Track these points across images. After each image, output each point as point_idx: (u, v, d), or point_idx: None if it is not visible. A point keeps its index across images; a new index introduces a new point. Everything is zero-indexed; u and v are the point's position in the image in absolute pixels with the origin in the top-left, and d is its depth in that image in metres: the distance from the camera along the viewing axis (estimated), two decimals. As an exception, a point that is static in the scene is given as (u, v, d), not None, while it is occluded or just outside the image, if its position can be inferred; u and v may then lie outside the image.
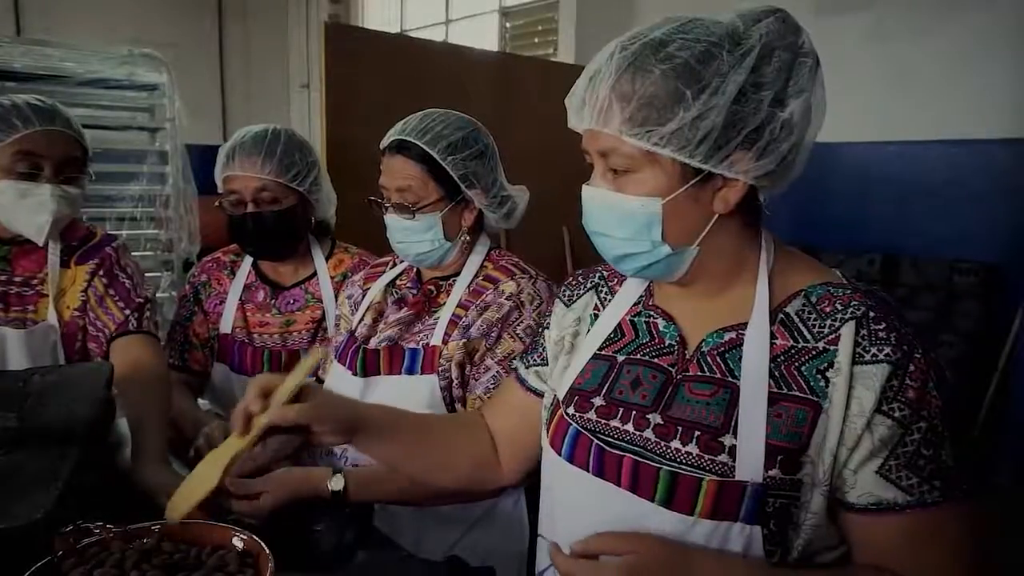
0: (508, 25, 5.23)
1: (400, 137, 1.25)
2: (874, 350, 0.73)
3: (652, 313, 0.90)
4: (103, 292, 1.50)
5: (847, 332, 0.75)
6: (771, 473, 0.75)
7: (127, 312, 1.50)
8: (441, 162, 1.24)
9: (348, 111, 3.05)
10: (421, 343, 1.28)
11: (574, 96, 0.80)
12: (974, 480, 0.77)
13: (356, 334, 1.35)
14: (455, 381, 1.24)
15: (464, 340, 1.24)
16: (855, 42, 3.41)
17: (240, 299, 1.66)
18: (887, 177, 3.41)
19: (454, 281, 1.32)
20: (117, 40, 4.01)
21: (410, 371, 1.26)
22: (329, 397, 1.02)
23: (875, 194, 3.45)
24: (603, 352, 0.91)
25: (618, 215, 0.80)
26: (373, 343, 1.31)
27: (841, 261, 3.32)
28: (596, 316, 0.95)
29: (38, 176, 1.38)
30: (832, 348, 0.75)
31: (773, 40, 0.74)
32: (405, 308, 1.31)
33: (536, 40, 5.05)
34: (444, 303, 1.30)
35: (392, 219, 1.28)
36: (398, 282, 1.40)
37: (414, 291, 1.35)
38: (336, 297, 1.63)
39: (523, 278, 1.28)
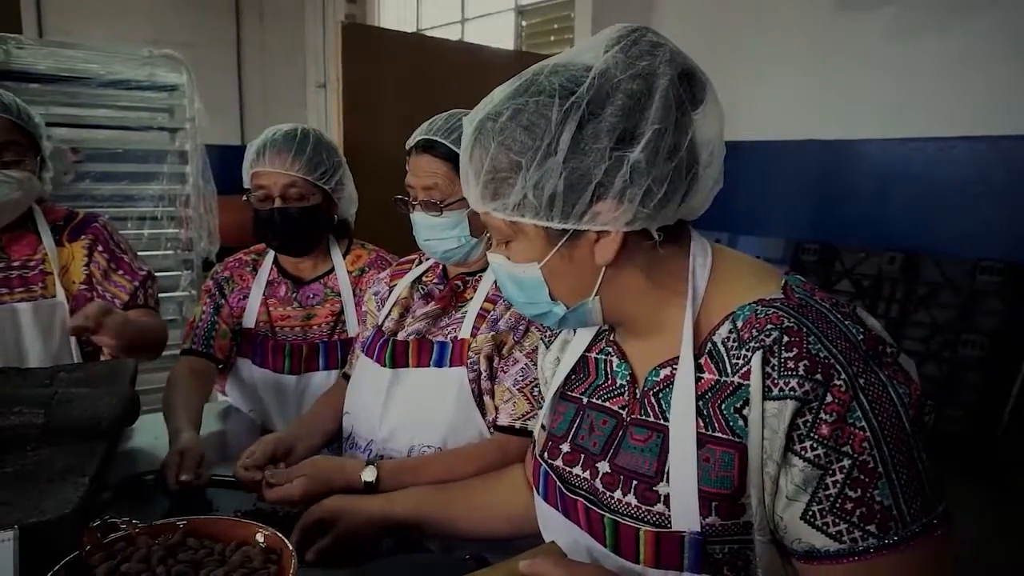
0: (524, 23, 5.22)
1: (426, 136, 1.26)
2: (781, 383, 0.66)
3: (610, 350, 0.86)
4: (107, 267, 1.60)
5: (755, 364, 0.67)
6: (709, 520, 0.70)
7: (135, 284, 1.62)
8: None
9: (364, 110, 3.07)
10: (449, 336, 1.29)
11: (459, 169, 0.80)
12: (931, 513, 0.65)
13: (383, 328, 1.37)
14: (483, 374, 1.24)
15: (492, 333, 1.25)
16: (876, 37, 3.37)
17: (263, 294, 1.69)
18: (908, 174, 3.36)
19: (480, 276, 1.33)
20: (135, 41, 4.06)
21: (438, 364, 1.27)
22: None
23: (896, 191, 3.41)
24: (571, 393, 0.90)
25: (513, 281, 0.80)
26: (401, 336, 1.33)
27: (861, 259, 3.28)
28: (566, 351, 0.95)
29: None
30: (745, 383, 0.68)
31: (615, 74, 0.70)
32: (432, 302, 1.32)
33: (552, 38, 5.04)
34: (471, 298, 1.31)
35: (419, 217, 1.29)
36: (424, 278, 1.41)
37: (441, 286, 1.36)
38: (353, 292, 1.65)
39: None
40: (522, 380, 1.21)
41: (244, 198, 1.63)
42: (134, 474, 1.26)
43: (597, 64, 0.71)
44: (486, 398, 1.25)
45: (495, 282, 1.29)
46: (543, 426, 0.93)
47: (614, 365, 0.85)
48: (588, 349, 0.90)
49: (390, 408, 1.28)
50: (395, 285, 1.43)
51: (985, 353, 2.97)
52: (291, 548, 0.83)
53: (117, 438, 1.17)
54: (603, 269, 0.75)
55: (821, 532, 0.66)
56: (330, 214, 1.67)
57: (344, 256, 1.73)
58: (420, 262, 1.45)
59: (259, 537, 0.87)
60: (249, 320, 1.67)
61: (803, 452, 0.65)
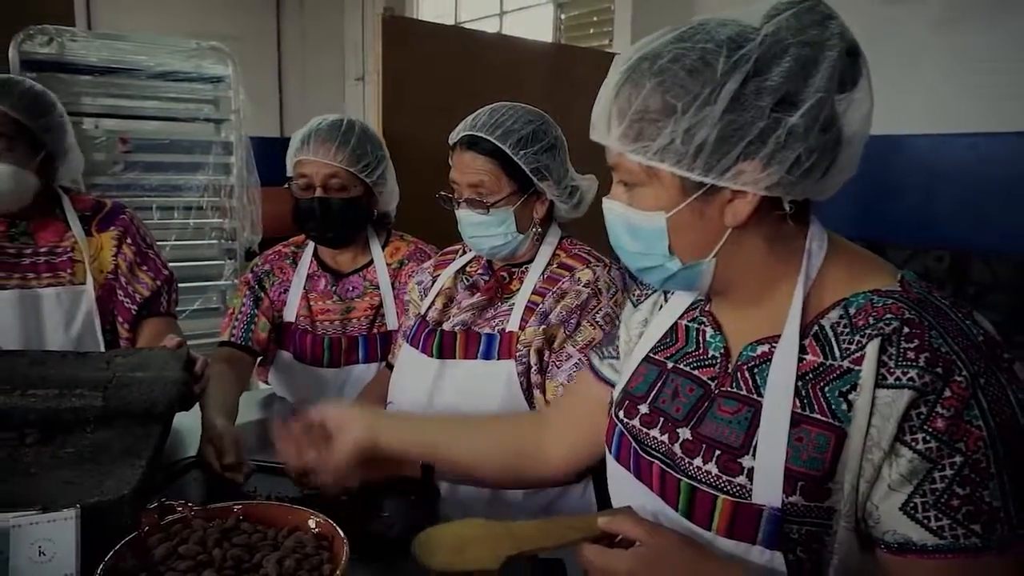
0: (563, 16, 5.19)
1: (471, 132, 1.26)
2: (899, 372, 0.66)
3: (704, 320, 0.86)
4: (133, 260, 1.61)
5: (871, 351, 0.67)
6: (792, 499, 0.70)
7: (159, 283, 1.64)
8: (513, 156, 1.25)
9: (403, 103, 3.08)
10: (496, 329, 1.29)
11: (595, 107, 0.78)
12: None
13: (427, 318, 1.37)
14: (533, 367, 1.24)
15: (543, 327, 1.24)
16: (923, 30, 3.28)
17: (303, 288, 1.70)
18: (957, 171, 3.27)
19: (526, 269, 1.33)
20: (178, 34, 4.13)
21: (486, 356, 1.27)
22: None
23: (944, 188, 3.32)
24: (656, 356, 0.90)
25: (629, 229, 0.79)
26: (446, 327, 1.33)
27: (908, 258, 3.21)
28: (657, 316, 0.94)
29: None
30: (856, 368, 0.68)
31: (786, 37, 0.69)
32: (478, 294, 1.32)
33: (591, 31, 5.00)
34: (517, 290, 1.31)
35: (465, 213, 1.29)
36: (468, 269, 1.41)
37: (486, 277, 1.36)
38: (392, 285, 1.66)
39: (598, 266, 1.28)
40: (575, 374, 1.21)
41: (286, 186, 1.64)
42: (177, 460, 1.29)
43: (768, 26, 0.70)
44: (536, 392, 1.25)
45: (542, 274, 1.29)
46: (622, 387, 0.92)
47: (707, 335, 0.84)
48: (680, 316, 0.89)
49: (436, 399, 1.28)
50: (439, 275, 1.43)
51: (1037, 356, 2.89)
52: (342, 535, 0.84)
53: (170, 422, 1.19)
54: (728, 231, 0.75)
55: (921, 525, 0.65)
56: (371, 207, 1.67)
57: (383, 248, 1.73)
58: (464, 252, 1.45)
59: (311, 523, 0.88)
60: (290, 314, 1.69)
61: (914, 443, 0.65)
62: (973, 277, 3.11)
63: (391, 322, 1.68)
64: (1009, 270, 3.02)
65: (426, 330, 1.35)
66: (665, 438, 0.83)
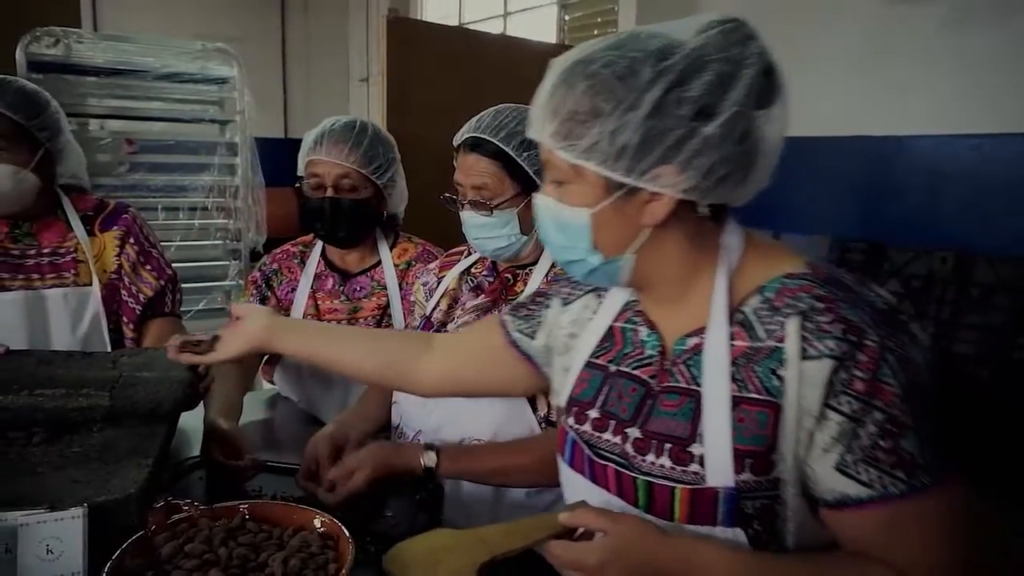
0: (567, 17, 5.20)
1: (474, 135, 1.26)
2: (819, 344, 0.72)
3: (637, 320, 0.91)
4: (136, 260, 1.62)
5: (792, 327, 0.74)
6: (743, 477, 0.75)
7: (162, 283, 1.64)
8: (516, 158, 1.25)
9: (407, 104, 3.09)
10: None
11: (532, 106, 0.83)
12: (947, 463, 0.73)
13: (432, 319, 1.38)
14: None
15: None
16: (929, 29, 3.27)
17: (311, 287, 1.71)
18: (962, 172, 3.27)
19: (531, 270, 1.33)
20: (183, 35, 4.15)
21: None
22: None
23: (948, 189, 3.31)
24: (597, 361, 0.93)
25: (557, 223, 0.83)
26: (450, 328, 1.33)
27: (911, 259, 3.20)
28: (592, 320, 0.97)
29: None
30: (781, 345, 0.74)
31: (709, 53, 0.74)
32: (482, 295, 1.33)
33: (595, 32, 5.00)
34: (521, 291, 1.31)
35: (469, 215, 1.29)
36: (473, 270, 1.42)
37: (490, 279, 1.36)
38: (400, 285, 1.67)
39: None
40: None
41: (296, 185, 1.65)
42: (182, 459, 1.29)
43: (694, 41, 0.75)
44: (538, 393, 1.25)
45: (546, 276, 1.29)
46: (567, 395, 0.95)
47: (643, 335, 0.89)
48: (615, 320, 0.93)
49: (440, 399, 1.28)
50: (444, 276, 1.44)
51: (1042, 358, 2.87)
52: (347, 535, 0.85)
53: (175, 422, 1.20)
54: (646, 230, 0.80)
55: (854, 480, 0.72)
56: (380, 209, 1.68)
57: (391, 249, 1.73)
58: (469, 253, 1.45)
59: (317, 523, 0.89)
60: (297, 313, 1.69)
61: (839, 406, 0.72)
62: (977, 279, 3.10)
63: (398, 322, 1.68)
64: (1013, 272, 3.02)
65: (431, 331, 1.36)
66: (618, 439, 0.86)
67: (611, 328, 0.93)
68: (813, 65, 3.65)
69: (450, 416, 1.28)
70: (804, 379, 0.72)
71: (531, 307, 1.06)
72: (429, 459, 1.15)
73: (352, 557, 0.81)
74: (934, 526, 0.73)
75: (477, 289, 1.36)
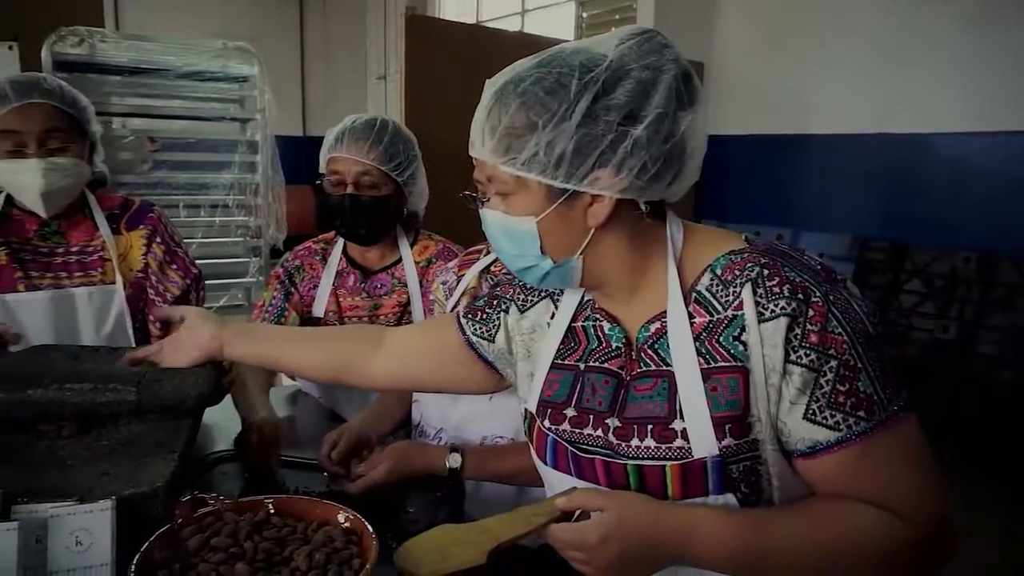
0: (584, 14, 5.19)
1: None
2: (772, 306, 0.78)
3: (598, 316, 0.94)
4: (162, 259, 1.62)
5: (747, 294, 0.79)
6: (725, 443, 0.79)
7: (188, 282, 1.64)
8: None
9: (425, 101, 3.10)
10: None
11: (472, 126, 0.87)
12: (902, 397, 0.79)
13: None
14: None
15: None
16: (955, 27, 3.23)
17: (333, 284, 1.72)
18: (986, 170, 3.22)
19: None
20: (203, 34, 4.19)
21: None
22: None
23: (972, 188, 3.27)
24: (564, 362, 0.95)
25: (506, 234, 0.87)
26: None
27: (933, 259, 3.16)
28: (551, 324, 0.98)
29: (24, 152, 1.42)
30: (739, 313, 0.80)
31: (629, 62, 0.80)
32: None
33: (613, 29, 4.99)
34: None
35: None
36: (492, 268, 1.41)
37: (510, 277, 1.36)
38: (420, 283, 1.68)
39: None
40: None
41: (317, 183, 1.66)
42: (207, 453, 1.31)
43: (613, 53, 0.81)
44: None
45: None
46: (536, 399, 0.97)
47: (606, 329, 0.92)
48: (574, 320, 0.96)
49: (461, 397, 1.29)
50: (463, 275, 1.44)
51: (1067, 359, 2.83)
52: (371, 530, 0.85)
53: (200, 416, 1.21)
54: (592, 231, 0.84)
55: (822, 426, 0.78)
56: (400, 206, 1.69)
57: (411, 247, 1.74)
58: (488, 252, 1.45)
59: (341, 518, 0.90)
60: (319, 309, 1.70)
61: (799, 360, 0.77)
62: (1001, 279, 3.06)
63: (418, 320, 1.69)
64: (1039, 272, 2.97)
65: None
66: (599, 432, 0.89)
67: (572, 328, 0.96)
68: (831, 62, 3.62)
69: (472, 414, 1.28)
70: (764, 340, 0.78)
71: (487, 311, 1.07)
72: (454, 460, 1.16)
73: (376, 552, 0.82)
74: (901, 454, 0.79)
75: (496, 287, 1.36)
